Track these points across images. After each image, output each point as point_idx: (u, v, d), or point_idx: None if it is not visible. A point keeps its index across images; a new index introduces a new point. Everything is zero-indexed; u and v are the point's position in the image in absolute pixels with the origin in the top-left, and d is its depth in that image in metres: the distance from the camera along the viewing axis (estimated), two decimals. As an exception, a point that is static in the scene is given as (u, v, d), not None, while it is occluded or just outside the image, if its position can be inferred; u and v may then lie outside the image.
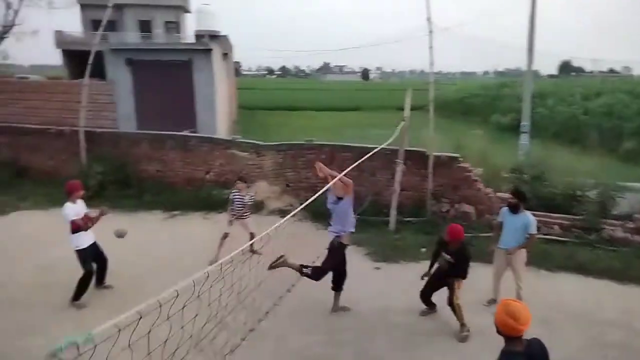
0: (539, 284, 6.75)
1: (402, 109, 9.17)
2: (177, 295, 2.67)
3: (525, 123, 15.50)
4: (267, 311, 5.20)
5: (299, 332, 5.53)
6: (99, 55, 15.23)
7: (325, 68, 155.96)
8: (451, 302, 5.50)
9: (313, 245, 6.53)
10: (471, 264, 5.56)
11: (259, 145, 11.13)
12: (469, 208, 9.40)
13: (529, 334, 2.83)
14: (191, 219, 9.91)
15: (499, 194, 9.32)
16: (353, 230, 5.91)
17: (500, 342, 2.84)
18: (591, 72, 66.43)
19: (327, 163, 10.14)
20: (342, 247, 5.81)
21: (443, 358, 5.11)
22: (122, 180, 11.15)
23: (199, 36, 25.54)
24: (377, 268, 7.52)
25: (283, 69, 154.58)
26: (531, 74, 17.01)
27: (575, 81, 44.77)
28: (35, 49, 31.23)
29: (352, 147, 10.19)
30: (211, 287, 3.45)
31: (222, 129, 20.46)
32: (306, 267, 5.69)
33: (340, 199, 5.73)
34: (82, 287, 6.07)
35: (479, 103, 38.76)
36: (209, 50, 19.95)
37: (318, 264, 5.77)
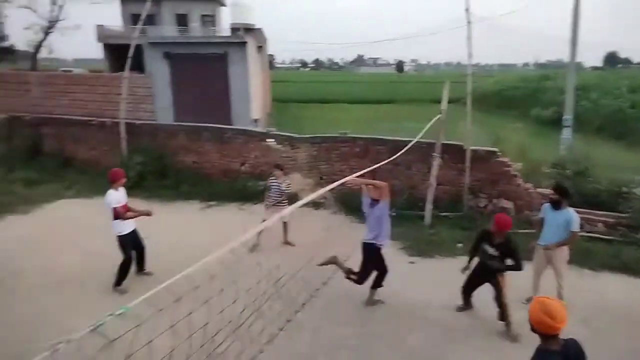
0: (581, 283, 6.53)
1: (437, 101, 9.03)
2: (213, 278, 2.69)
3: (568, 117, 14.95)
4: (303, 302, 5.23)
5: (334, 323, 5.55)
6: (138, 48, 15.59)
7: (359, 60, 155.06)
8: (500, 301, 5.32)
9: (347, 237, 6.54)
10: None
11: (293, 138, 11.19)
12: (507, 203, 9.16)
13: (568, 334, 2.74)
14: (227, 209, 10.09)
15: (539, 190, 9.05)
16: (388, 241, 5.85)
17: (538, 340, 2.77)
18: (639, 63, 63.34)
19: (361, 156, 10.18)
20: (378, 249, 5.80)
21: (480, 355, 5.02)
22: (160, 171, 11.46)
23: (234, 29, 25.76)
24: (412, 262, 7.45)
25: (316, 61, 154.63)
26: (574, 66, 16.35)
27: (621, 73, 42.76)
28: (78, 43, 32.28)
29: (386, 140, 10.11)
30: (246, 274, 3.49)
31: (257, 121, 20.65)
32: (354, 273, 5.78)
33: (375, 201, 5.64)
34: (122, 272, 6.32)
35: (519, 96, 37.51)
36: (244, 43, 20.11)
37: (352, 258, 5.77)
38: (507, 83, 43.13)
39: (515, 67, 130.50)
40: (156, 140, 12.09)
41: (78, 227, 8.57)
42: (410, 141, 8.23)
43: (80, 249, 7.57)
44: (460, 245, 7.83)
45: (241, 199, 10.38)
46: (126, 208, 6.31)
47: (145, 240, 6.69)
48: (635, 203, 8.42)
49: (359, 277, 5.81)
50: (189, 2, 31.12)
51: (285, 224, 7.77)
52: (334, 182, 4.14)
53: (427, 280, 6.71)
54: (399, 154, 7.20)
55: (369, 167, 5.99)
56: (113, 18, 30.28)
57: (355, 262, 5.92)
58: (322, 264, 5.86)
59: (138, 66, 18.34)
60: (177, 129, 12.43)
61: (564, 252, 5.81)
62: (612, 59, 75.70)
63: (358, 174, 5.29)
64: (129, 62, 12.26)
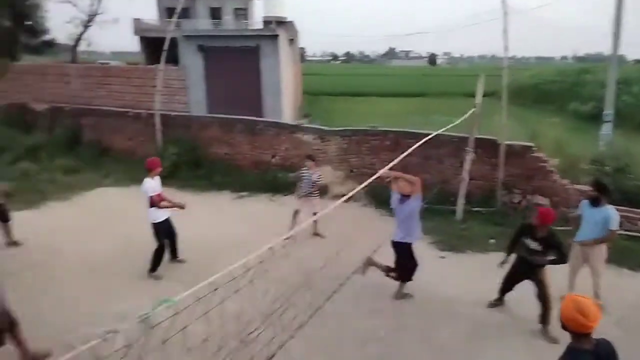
0: (619, 283, 6.33)
1: (470, 95, 8.86)
2: (248, 270, 2.76)
3: (609, 112, 14.36)
4: (333, 291, 5.26)
5: (362, 315, 5.57)
6: (173, 41, 15.88)
7: (391, 53, 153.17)
8: (544, 298, 5.17)
9: (377, 229, 6.53)
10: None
11: (323, 131, 11.21)
12: (542, 200, 8.93)
13: (602, 335, 2.67)
14: (258, 200, 10.24)
15: (577, 186, 8.78)
16: (418, 239, 5.82)
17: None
18: (687, 56, 60.24)
19: (392, 149, 10.10)
20: (409, 245, 5.78)
21: (512, 354, 4.93)
22: (194, 162, 11.72)
23: (266, 22, 25.88)
24: (442, 257, 7.38)
25: (347, 54, 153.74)
26: (616, 59, 15.68)
27: (667, 67, 40.80)
28: (116, 36, 33.15)
29: (417, 134, 9.97)
30: (277, 264, 3.54)
31: (287, 114, 20.75)
32: (392, 270, 5.82)
33: (406, 197, 5.57)
34: (156, 259, 6.51)
35: (556, 90, 36.23)
36: (276, 36, 20.18)
37: (382, 250, 5.76)
38: (545, 76, 41.72)
39: (553, 60, 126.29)
40: (190, 131, 12.34)
41: (115, 214, 8.86)
42: (441, 134, 8.10)
43: (116, 235, 7.83)
44: (492, 241, 7.70)
45: (272, 190, 10.51)
46: (161, 197, 6.48)
47: (179, 230, 6.86)
48: (679, 202, 8.08)
49: (399, 275, 5.85)
50: (223, -5, 31.48)
51: (315, 214, 7.81)
52: (364, 175, 4.14)
53: (458, 276, 6.63)
54: (422, 141, 6.99)
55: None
56: (149, 12, 30.96)
57: (384, 254, 5.91)
58: (363, 271, 5.93)
59: (173, 59, 18.65)
60: (210, 120, 12.65)
61: (602, 251, 5.63)
62: (657, 52, 72.29)
63: (390, 165, 5.26)
64: (164, 55, 12.51)
